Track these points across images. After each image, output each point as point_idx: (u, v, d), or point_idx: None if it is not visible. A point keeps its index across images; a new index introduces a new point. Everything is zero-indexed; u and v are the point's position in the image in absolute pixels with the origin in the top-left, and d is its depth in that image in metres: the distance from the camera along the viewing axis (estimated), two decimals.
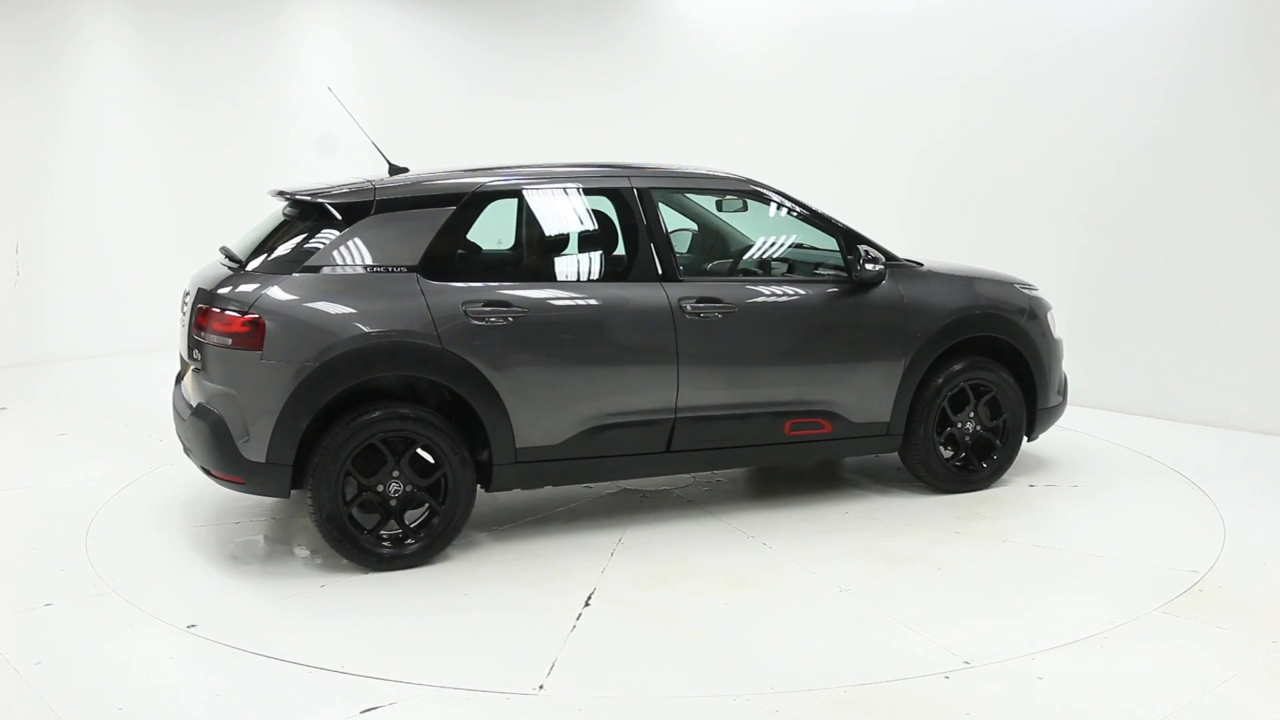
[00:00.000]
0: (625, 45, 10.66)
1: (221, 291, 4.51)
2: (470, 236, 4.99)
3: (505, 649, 3.90)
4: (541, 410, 4.71)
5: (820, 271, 5.43)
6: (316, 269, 4.53)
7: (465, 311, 4.60)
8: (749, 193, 5.35)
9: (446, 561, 4.69)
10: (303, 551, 4.88)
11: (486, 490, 4.81)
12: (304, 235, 4.66)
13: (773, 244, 5.66)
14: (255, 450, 4.42)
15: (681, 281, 5.00)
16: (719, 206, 5.56)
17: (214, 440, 4.47)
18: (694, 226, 5.89)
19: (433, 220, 4.71)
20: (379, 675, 3.65)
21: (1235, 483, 5.74)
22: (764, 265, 5.62)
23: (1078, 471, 5.97)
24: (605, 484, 5.66)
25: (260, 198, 5.29)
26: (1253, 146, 6.74)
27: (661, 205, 5.17)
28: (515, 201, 5.15)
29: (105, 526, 5.16)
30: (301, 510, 5.10)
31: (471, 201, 4.81)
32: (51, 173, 9.24)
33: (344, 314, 4.47)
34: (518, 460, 4.73)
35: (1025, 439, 5.73)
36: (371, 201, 4.70)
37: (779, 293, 5.21)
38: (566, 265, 5.10)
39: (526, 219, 5.25)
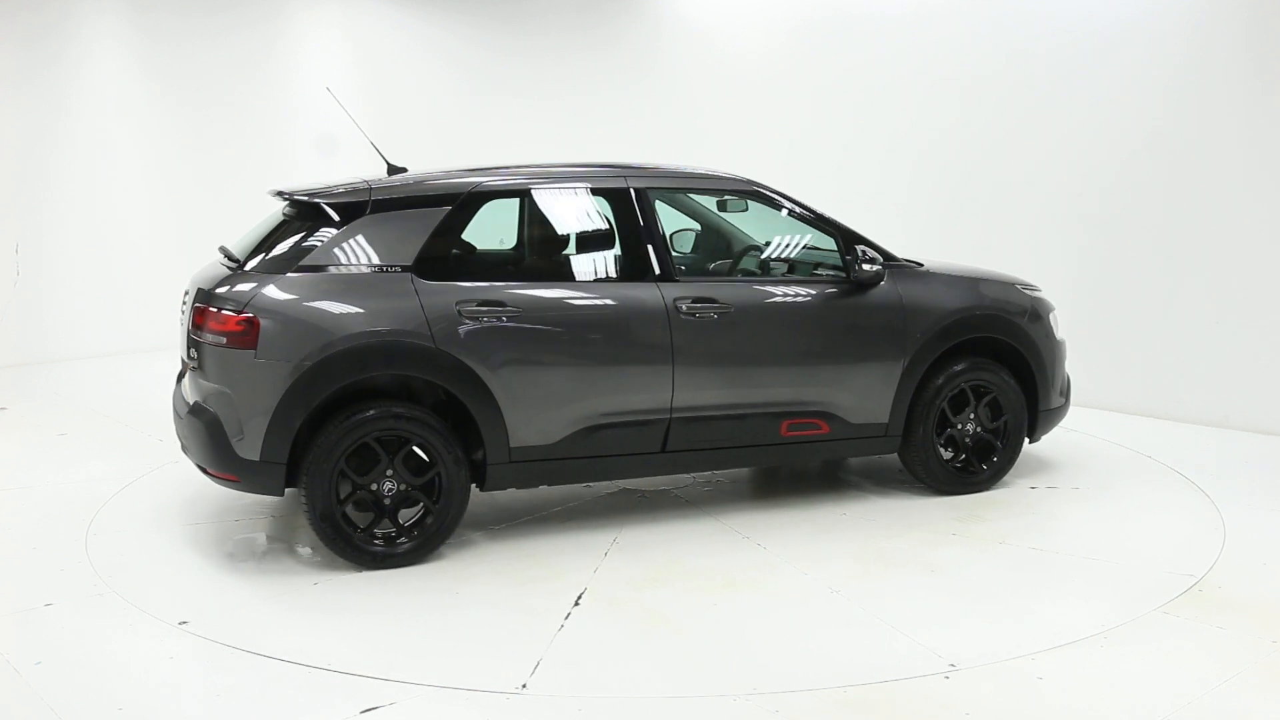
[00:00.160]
0: (625, 45, 10.65)
1: (218, 291, 4.53)
2: (466, 237, 4.99)
3: (492, 648, 3.89)
4: (536, 410, 4.71)
5: (819, 272, 5.41)
6: (312, 269, 4.54)
7: (459, 311, 4.60)
8: (747, 192, 5.33)
9: (440, 560, 4.69)
10: (303, 549, 4.88)
11: (481, 489, 4.81)
12: (301, 235, 4.67)
13: (771, 244, 5.64)
14: (249, 449, 4.42)
15: (677, 281, 4.99)
16: (721, 207, 5.55)
17: (209, 438, 4.49)
18: (697, 226, 5.89)
19: (428, 220, 4.71)
20: (377, 675, 3.65)
21: (1235, 483, 5.72)
22: (763, 265, 5.61)
23: (1079, 473, 5.95)
24: (604, 484, 5.65)
25: (260, 198, 5.30)
26: (1253, 146, 6.73)
27: (664, 205, 5.15)
28: (511, 202, 5.14)
29: (105, 526, 5.15)
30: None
31: (467, 202, 4.81)
32: (51, 173, 9.24)
33: (338, 313, 4.47)
34: (512, 460, 4.72)
35: (1027, 440, 5.71)
36: (367, 201, 4.70)
37: (775, 293, 5.20)
38: (562, 265, 5.10)
39: (522, 219, 5.24)
